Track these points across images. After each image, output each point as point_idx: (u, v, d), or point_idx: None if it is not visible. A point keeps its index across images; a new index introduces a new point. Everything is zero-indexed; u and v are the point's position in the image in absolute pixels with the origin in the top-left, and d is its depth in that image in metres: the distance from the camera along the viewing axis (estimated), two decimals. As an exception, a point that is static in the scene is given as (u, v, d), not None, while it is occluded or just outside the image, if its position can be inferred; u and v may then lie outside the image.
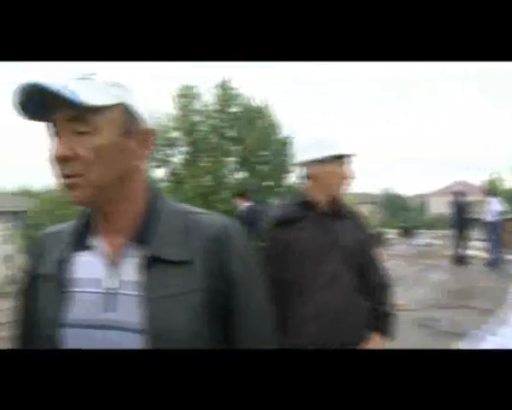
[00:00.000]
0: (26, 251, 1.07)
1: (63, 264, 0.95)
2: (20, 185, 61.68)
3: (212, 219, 0.98)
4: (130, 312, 0.88)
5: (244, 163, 19.37)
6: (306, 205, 2.09)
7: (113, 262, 0.93)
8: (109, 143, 0.86)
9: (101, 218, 0.95)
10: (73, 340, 0.90)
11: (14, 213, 49.26)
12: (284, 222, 2.06)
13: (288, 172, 20.49)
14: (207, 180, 18.36)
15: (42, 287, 0.97)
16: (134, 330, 0.87)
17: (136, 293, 0.89)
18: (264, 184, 19.32)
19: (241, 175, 19.88)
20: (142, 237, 0.92)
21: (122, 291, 0.90)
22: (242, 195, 7.83)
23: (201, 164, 18.54)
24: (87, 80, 0.83)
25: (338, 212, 2.13)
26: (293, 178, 21.02)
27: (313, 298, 2.00)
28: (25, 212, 46.55)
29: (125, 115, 0.89)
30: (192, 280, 0.90)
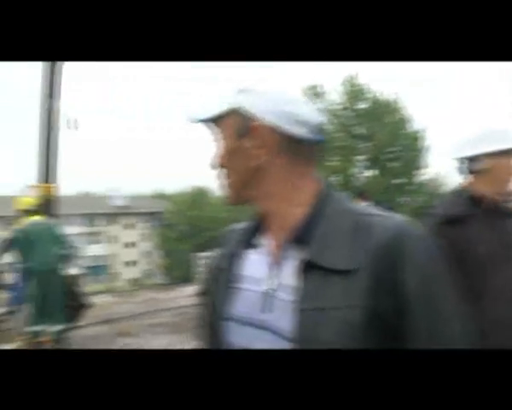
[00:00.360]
0: (215, 247, 1.13)
1: (233, 259, 0.98)
2: (156, 189, 68.86)
3: (387, 221, 0.86)
4: (284, 317, 0.85)
5: (374, 161, 18.64)
6: (472, 201, 1.92)
7: (275, 263, 0.91)
8: (229, 148, 0.92)
9: (267, 217, 0.95)
10: (233, 335, 0.92)
11: (152, 213, 54.95)
12: (453, 220, 1.90)
13: (419, 168, 19.30)
14: (336, 180, 18.04)
15: (218, 280, 1.01)
16: (285, 337, 0.84)
17: (291, 298, 0.85)
18: (396, 181, 18.43)
19: (371, 173, 19.19)
20: (301, 238, 0.88)
21: (279, 294, 0.88)
22: (361, 194, 7.56)
23: (329, 164, 18.27)
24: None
25: (504, 209, 1.97)
26: (425, 174, 19.76)
27: (488, 309, 1.79)
28: (160, 213, 51.69)
29: (239, 119, 0.91)
30: (353, 294, 0.81)
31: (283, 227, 0.92)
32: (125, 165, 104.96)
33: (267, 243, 0.95)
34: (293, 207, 0.92)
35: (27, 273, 5.39)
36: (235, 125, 0.92)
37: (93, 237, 50.49)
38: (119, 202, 52.30)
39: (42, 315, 5.41)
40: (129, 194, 54.81)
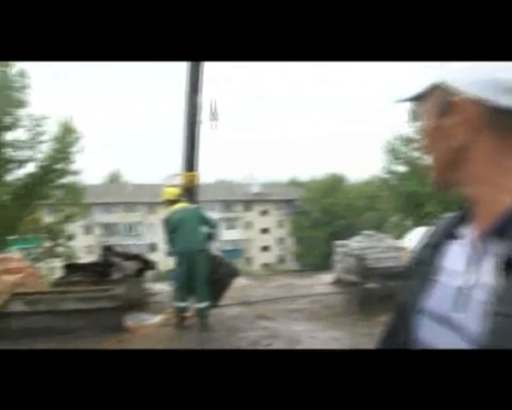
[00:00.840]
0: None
1: (435, 250, 0.94)
2: (291, 177, 70.50)
3: None
4: (475, 318, 0.77)
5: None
6: None
7: (475, 257, 0.82)
8: (431, 128, 0.87)
9: (473, 205, 0.86)
10: (422, 330, 0.89)
11: (287, 201, 56.55)
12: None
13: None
14: None
15: (417, 271, 0.98)
16: (473, 341, 0.76)
17: (486, 299, 0.75)
18: None
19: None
20: (504, 231, 0.77)
21: (475, 292, 0.79)
22: None
23: None
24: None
25: None
26: None
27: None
28: (295, 200, 52.86)
29: (441, 95, 0.84)
30: None
31: (488, 217, 0.83)
32: (262, 153, 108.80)
33: (470, 233, 0.88)
34: (503, 194, 0.81)
35: (176, 255, 5.93)
36: (436, 103, 0.87)
37: (230, 223, 53.53)
38: (256, 190, 54.45)
39: (187, 292, 5.85)
40: (265, 181, 56.82)
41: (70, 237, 20.35)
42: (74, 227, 22.02)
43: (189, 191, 7.89)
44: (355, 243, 8.80)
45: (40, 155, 17.45)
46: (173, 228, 5.86)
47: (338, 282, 9.00)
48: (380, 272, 7.38)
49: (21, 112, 16.15)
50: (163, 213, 6.39)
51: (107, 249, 7.87)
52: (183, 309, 5.91)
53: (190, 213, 6.02)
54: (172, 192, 6.29)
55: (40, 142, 17.29)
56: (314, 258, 38.14)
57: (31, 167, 17.47)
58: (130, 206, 51.86)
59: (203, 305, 5.80)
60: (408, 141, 22.60)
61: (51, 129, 17.64)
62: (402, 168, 23.59)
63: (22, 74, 16.10)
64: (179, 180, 7.93)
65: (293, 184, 60.60)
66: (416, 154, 21.75)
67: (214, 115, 7.06)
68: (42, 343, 4.97)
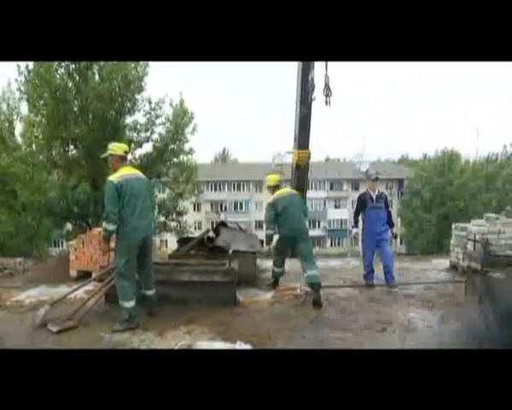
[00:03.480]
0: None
1: None
2: (403, 155, 67.79)
3: None
4: None
5: None
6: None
7: None
8: None
9: None
10: None
11: (397, 180, 54.06)
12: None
13: None
14: None
15: None
16: None
17: None
18: None
19: None
20: None
21: None
22: None
23: None
24: None
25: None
26: None
27: None
28: (405, 179, 50.27)
29: None
30: None
31: None
32: (374, 131, 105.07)
33: None
34: None
35: (282, 235, 6.49)
36: None
37: (338, 202, 52.66)
38: (364, 168, 52.82)
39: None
40: (375, 160, 54.83)
41: (181, 213, 21.49)
42: (186, 204, 23.25)
43: (301, 169, 7.83)
44: (475, 227, 8.06)
45: (156, 136, 18.56)
46: (280, 211, 6.38)
47: (455, 268, 8.35)
48: (506, 261, 6.68)
49: (139, 96, 17.22)
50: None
51: (222, 225, 8.16)
52: (279, 273, 6.94)
53: (296, 199, 6.59)
54: (274, 179, 6.82)
55: (156, 124, 18.35)
56: (423, 241, 36.06)
57: (148, 148, 18.70)
58: (238, 184, 53.49)
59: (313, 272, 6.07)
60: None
61: (166, 111, 18.66)
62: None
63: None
64: (292, 158, 7.97)
65: (405, 162, 57.69)
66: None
67: (327, 91, 6.87)
68: (159, 308, 5.34)
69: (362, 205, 7.20)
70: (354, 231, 7.55)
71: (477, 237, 7.68)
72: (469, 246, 7.84)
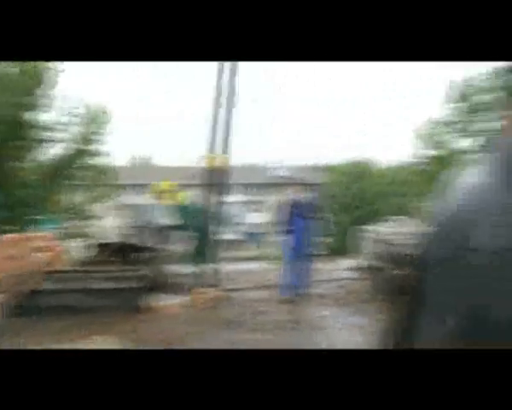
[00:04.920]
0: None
1: None
2: (318, 161, 70.37)
3: None
4: None
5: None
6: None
7: None
8: None
9: None
10: None
11: (313, 185, 56.04)
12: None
13: None
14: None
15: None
16: None
17: None
18: None
19: None
20: None
21: None
22: None
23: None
24: None
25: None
26: None
27: None
28: (321, 184, 52.49)
29: None
30: None
31: None
32: (289, 136, 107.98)
33: None
34: None
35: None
36: None
37: (254, 206, 53.48)
38: (282, 173, 54.13)
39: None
40: (291, 165, 56.36)
41: (98, 218, 20.65)
42: (103, 208, 22.39)
43: (220, 174, 7.89)
44: (383, 229, 8.61)
45: (70, 137, 17.69)
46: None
47: (363, 267, 8.86)
48: (409, 259, 7.16)
49: (54, 93, 16.34)
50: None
51: (142, 229, 8.01)
52: (196, 276, 7.14)
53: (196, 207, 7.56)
54: (167, 185, 8.09)
55: (71, 123, 17.51)
56: (339, 243, 37.62)
57: (61, 148, 17.77)
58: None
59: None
60: (441, 125, 22.00)
61: (82, 111, 17.86)
62: (434, 152, 22.99)
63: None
64: (209, 162, 7.99)
65: (320, 168, 60.07)
66: (448, 137, 21.20)
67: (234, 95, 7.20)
68: (63, 321, 5.10)
69: (286, 212, 6.80)
70: (282, 239, 6.97)
71: (383, 238, 8.20)
72: (376, 246, 8.35)
